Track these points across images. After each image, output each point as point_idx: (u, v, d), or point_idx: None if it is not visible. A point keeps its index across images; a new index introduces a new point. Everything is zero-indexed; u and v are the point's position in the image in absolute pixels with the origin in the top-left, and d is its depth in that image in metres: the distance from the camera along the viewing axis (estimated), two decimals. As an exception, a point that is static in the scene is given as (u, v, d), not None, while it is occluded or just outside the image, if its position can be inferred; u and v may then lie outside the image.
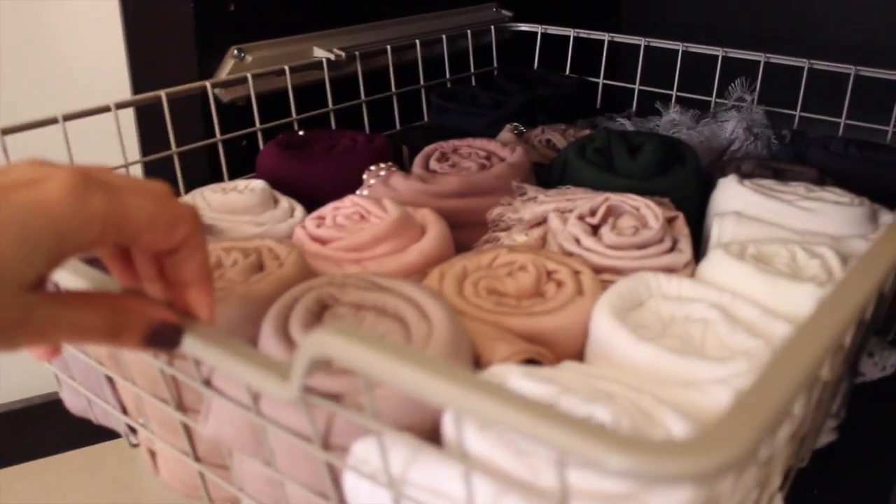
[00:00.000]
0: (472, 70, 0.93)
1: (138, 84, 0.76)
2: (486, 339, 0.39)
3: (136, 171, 0.67)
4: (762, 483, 0.36)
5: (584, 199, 0.52)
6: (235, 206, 0.57)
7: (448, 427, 0.32)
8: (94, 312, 0.30)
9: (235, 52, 0.79)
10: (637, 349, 0.38)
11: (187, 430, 0.42)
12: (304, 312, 0.39)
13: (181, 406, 0.42)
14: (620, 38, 0.91)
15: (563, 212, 0.52)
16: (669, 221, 0.51)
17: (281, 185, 0.61)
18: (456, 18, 0.99)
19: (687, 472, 0.21)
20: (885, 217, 0.53)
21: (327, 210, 0.53)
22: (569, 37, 0.93)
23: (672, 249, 0.48)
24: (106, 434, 0.55)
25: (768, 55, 0.82)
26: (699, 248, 0.54)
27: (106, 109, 0.60)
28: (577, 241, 0.49)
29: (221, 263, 0.47)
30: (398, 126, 0.84)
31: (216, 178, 0.68)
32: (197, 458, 0.43)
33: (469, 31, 0.92)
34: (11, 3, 0.81)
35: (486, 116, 0.76)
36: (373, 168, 0.61)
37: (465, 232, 0.54)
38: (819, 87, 0.81)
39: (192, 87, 0.67)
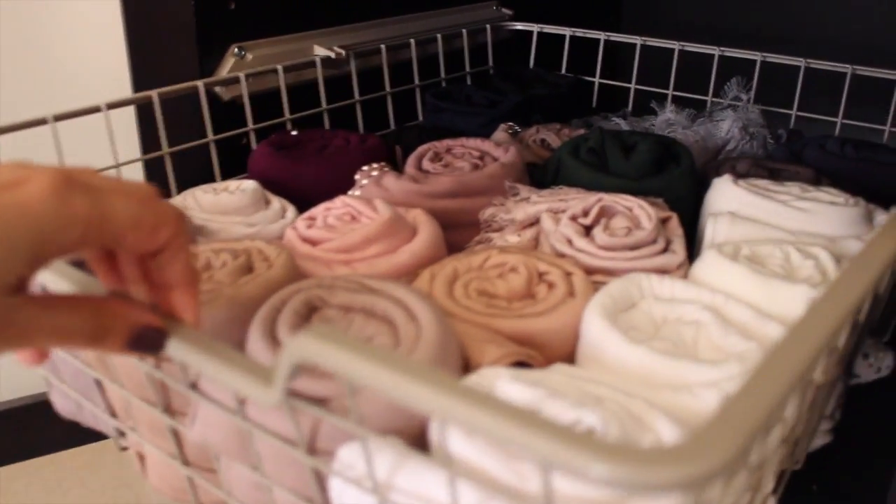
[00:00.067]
0: (468, 69, 0.92)
1: (139, 83, 0.76)
2: (475, 342, 0.39)
3: (132, 170, 0.66)
4: (754, 486, 0.35)
5: (577, 200, 0.52)
6: (226, 206, 0.56)
7: (435, 431, 0.32)
8: (77, 315, 0.30)
9: (236, 50, 0.79)
10: (628, 352, 0.37)
11: (175, 434, 0.42)
12: (291, 315, 0.39)
13: (169, 409, 0.41)
14: (616, 37, 0.91)
15: (555, 212, 0.52)
16: (663, 222, 0.50)
17: (273, 185, 0.61)
18: (457, 16, 0.99)
19: (672, 480, 0.20)
20: (881, 217, 0.52)
21: (318, 211, 0.53)
22: (567, 36, 0.93)
23: (665, 250, 0.48)
24: (106, 432, 0.54)
25: (765, 54, 0.82)
26: (693, 248, 0.53)
27: (97, 110, 0.59)
28: (570, 241, 0.48)
29: (210, 265, 0.46)
30: (393, 126, 0.83)
31: (225, 175, 0.68)
32: (185, 462, 0.42)
33: (464, 31, 0.91)
34: (12, 4, 0.80)
35: (480, 116, 0.76)
36: (365, 168, 0.60)
37: (458, 232, 0.54)
38: (816, 87, 0.80)
39: (185, 86, 0.67)
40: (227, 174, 0.68)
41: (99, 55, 0.83)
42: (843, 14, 1.10)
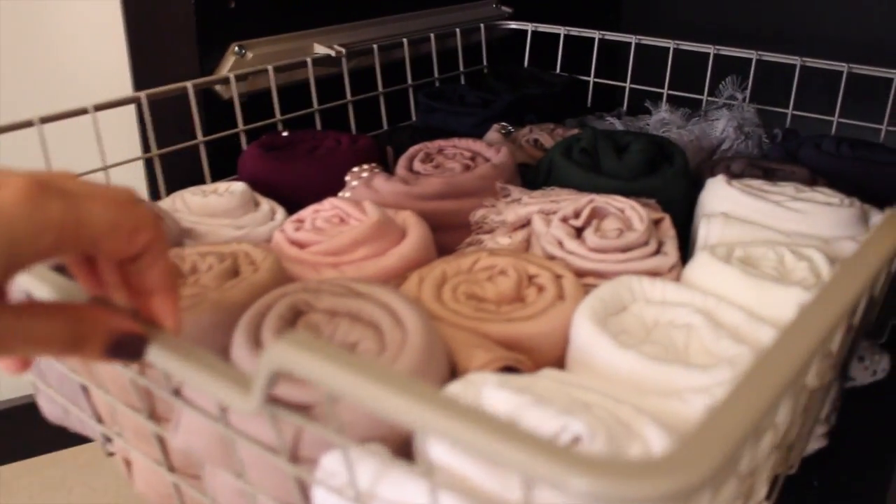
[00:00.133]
0: (462, 69, 0.92)
1: (140, 82, 0.76)
2: (463, 346, 0.38)
3: (134, 171, 0.66)
4: (746, 494, 0.35)
5: (568, 201, 0.51)
6: (215, 208, 0.56)
7: (418, 439, 0.31)
8: (53, 323, 0.29)
9: (236, 49, 0.79)
10: (617, 356, 0.37)
11: (160, 440, 0.41)
12: (276, 320, 0.38)
13: (154, 415, 0.41)
14: (611, 35, 0.90)
15: (547, 214, 0.51)
16: (655, 223, 0.50)
17: (263, 187, 0.60)
18: (458, 14, 0.98)
19: (653, 494, 0.20)
20: (876, 218, 0.52)
21: (307, 213, 0.52)
22: (561, 35, 0.92)
23: (657, 252, 0.47)
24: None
25: (760, 53, 0.81)
26: (687, 249, 0.53)
27: (84, 112, 0.59)
28: (560, 243, 0.48)
29: (196, 269, 0.46)
30: (385, 126, 0.83)
31: (222, 175, 0.67)
32: (171, 469, 0.42)
33: (458, 30, 0.91)
34: (12, 4, 0.80)
35: (473, 116, 0.75)
36: (355, 169, 0.60)
37: (448, 234, 0.53)
38: (812, 85, 0.80)
39: (174, 87, 0.66)
40: (226, 174, 0.67)
41: (99, 55, 0.83)
42: (842, 13, 1.09)
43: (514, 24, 0.98)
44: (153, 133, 0.64)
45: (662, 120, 0.75)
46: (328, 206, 0.52)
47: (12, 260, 0.27)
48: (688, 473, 0.19)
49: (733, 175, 0.57)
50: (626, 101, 0.88)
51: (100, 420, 0.48)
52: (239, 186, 0.58)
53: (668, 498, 0.19)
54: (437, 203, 0.54)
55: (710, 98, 0.82)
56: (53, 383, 0.50)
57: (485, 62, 0.96)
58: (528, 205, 0.52)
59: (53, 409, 0.54)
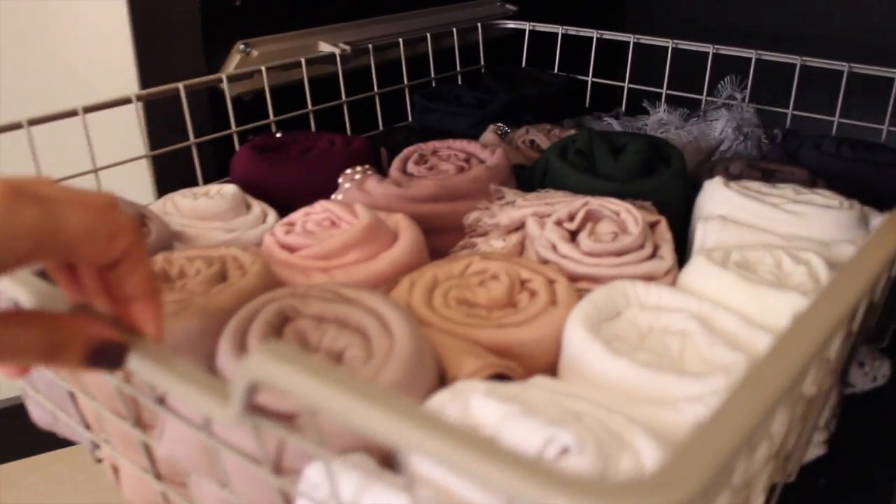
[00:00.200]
0: (459, 69, 0.91)
1: (146, 81, 0.76)
2: (453, 353, 0.37)
3: (138, 170, 0.66)
4: (741, 505, 0.34)
5: (563, 204, 0.50)
6: (206, 211, 0.55)
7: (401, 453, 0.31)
8: (29, 331, 0.28)
9: (242, 46, 0.79)
10: (610, 364, 0.36)
11: (147, 448, 0.40)
12: (263, 326, 0.37)
13: (140, 423, 0.40)
14: (609, 35, 0.89)
15: (541, 216, 0.50)
16: (651, 226, 0.49)
17: (255, 189, 0.59)
18: (460, 13, 0.98)
19: (638, 513, 0.19)
20: (876, 220, 0.51)
21: (297, 216, 0.51)
22: (559, 34, 0.91)
23: (653, 256, 0.46)
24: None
25: (760, 52, 0.80)
26: (684, 253, 0.52)
27: (73, 114, 0.58)
28: (554, 247, 0.47)
29: (184, 273, 0.45)
30: (381, 127, 0.82)
31: (224, 175, 0.67)
32: (158, 476, 0.41)
33: (455, 29, 0.90)
34: (17, 3, 0.80)
35: (470, 116, 0.75)
36: (348, 171, 0.59)
37: (442, 237, 0.53)
38: (813, 85, 0.79)
39: (167, 88, 0.65)
40: (225, 174, 0.67)
41: (105, 54, 0.83)
42: (843, 12, 1.08)
43: (512, 24, 0.97)
44: (150, 133, 0.63)
45: (660, 120, 0.75)
46: (319, 209, 0.51)
47: None
48: (674, 493, 0.19)
49: (731, 177, 0.56)
50: (624, 100, 0.87)
51: (87, 426, 0.48)
52: (230, 189, 0.57)
53: (654, 518, 0.19)
54: (431, 206, 0.54)
55: (709, 98, 0.82)
56: (42, 389, 0.50)
57: (482, 62, 0.95)
58: (522, 207, 0.52)
59: (43, 414, 0.53)
